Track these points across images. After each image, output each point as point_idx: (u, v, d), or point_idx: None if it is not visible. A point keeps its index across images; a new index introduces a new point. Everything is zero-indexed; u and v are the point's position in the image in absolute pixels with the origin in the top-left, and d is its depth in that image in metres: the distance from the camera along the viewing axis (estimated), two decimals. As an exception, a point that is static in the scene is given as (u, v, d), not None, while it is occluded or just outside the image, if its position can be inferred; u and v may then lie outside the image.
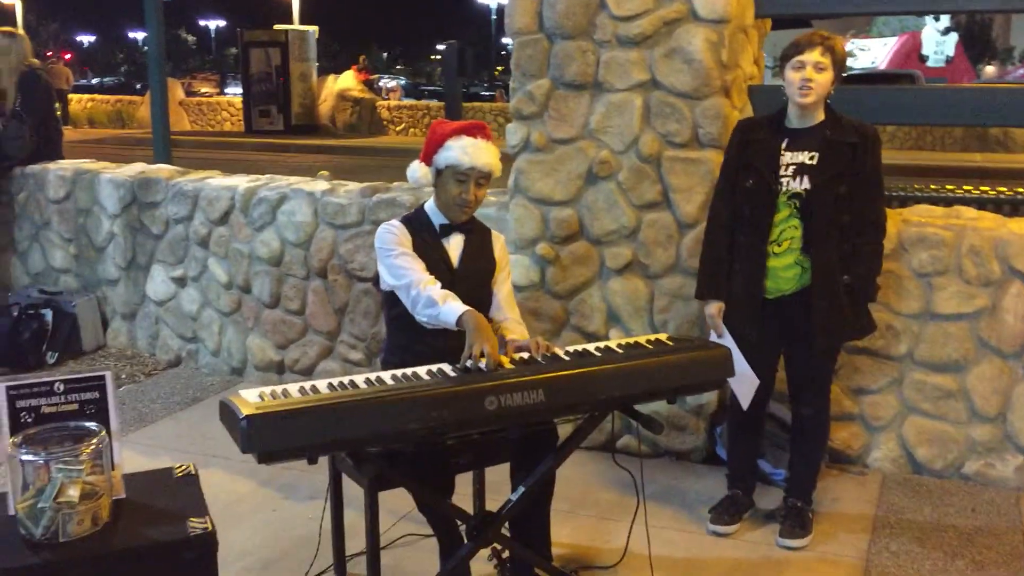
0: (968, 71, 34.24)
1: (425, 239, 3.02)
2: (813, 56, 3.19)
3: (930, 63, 34.00)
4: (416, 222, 3.07)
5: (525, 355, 2.69)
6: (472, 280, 3.04)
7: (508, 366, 2.58)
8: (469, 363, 2.55)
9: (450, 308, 2.75)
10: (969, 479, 3.93)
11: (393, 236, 2.99)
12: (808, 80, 3.19)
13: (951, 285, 3.85)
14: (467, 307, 2.74)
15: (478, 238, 3.11)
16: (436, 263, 2.99)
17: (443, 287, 2.93)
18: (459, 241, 3.06)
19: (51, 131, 6.25)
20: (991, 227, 3.86)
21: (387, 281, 2.98)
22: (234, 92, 31.56)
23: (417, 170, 3.05)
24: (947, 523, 3.61)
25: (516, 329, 3.06)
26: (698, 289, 3.53)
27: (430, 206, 3.09)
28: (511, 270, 3.28)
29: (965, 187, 5.81)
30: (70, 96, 24.89)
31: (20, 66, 6.01)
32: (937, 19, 33.75)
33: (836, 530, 3.54)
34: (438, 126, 3.05)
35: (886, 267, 3.83)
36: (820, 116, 3.30)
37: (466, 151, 2.94)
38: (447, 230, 3.05)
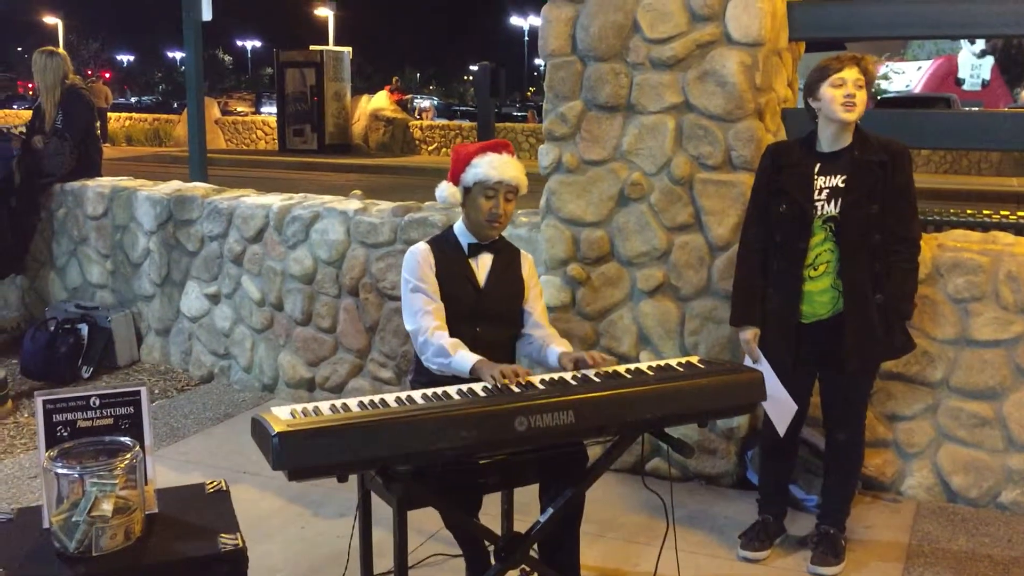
0: (1005, 95, 33.93)
1: (452, 259, 3.03)
2: (853, 74, 3.19)
3: (966, 86, 33.75)
4: (444, 242, 3.09)
5: (579, 372, 2.71)
6: (498, 299, 3.05)
7: (535, 382, 2.60)
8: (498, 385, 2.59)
9: (462, 358, 2.78)
10: (1006, 508, 3.86)
11: (415, 263, 3.00)
12: (852, 96, 3.18)
13: (987, 311, 3.80)
14: (479, 356, 2.77)
15: (506, 258, 3.12)
16: (462, 282, 3.02)
17: (469, 305, 2.96)
18: (487, 260, 3.07)
19: (91, 149, 6.35)
20: (1029, 253, 3.81)
21: (404, 313, 3.01)
22: (269, 111, 31.94)
23: (445, 189, 3.08)
24: (982, 553, 3.55)
25: (561, 341, 3.06)
26: (732, 315, 3.51)
27: (459, 226, 3.11)
28: (542, 290, 3.27)
29: (1002, 212, 5.74)
30: (109, 114, 25.32)
31: (58, 84, 6.12)
32: (973, 42, 33.52)
33: (869, 558, 3.49)
34: (461, 148, 3.08)
35: (921, 292, 3.79)
36: (849, 138, 3.28)
37: (493, 166, 2.97)
38: (475, 249, 3.06)
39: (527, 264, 3.18)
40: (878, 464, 4.02)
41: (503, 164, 2.99)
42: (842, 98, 3.19)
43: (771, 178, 3.38)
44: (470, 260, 3.05)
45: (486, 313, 3.01)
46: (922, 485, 3.98)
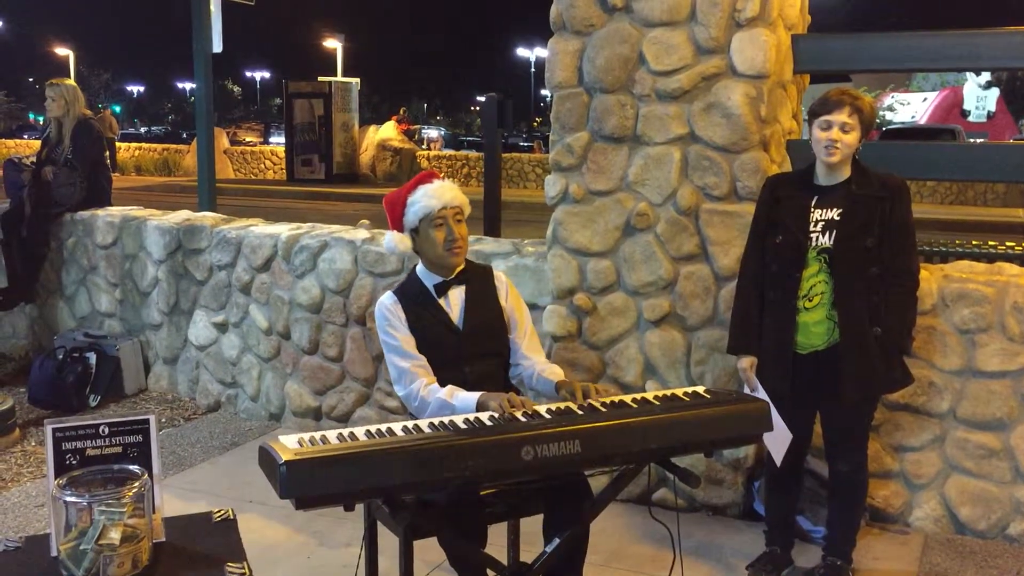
0: (1010, 126, 33.99)
1: (421, 305, 2.95)
2: (841, 117, 3.20)
3: (971, 118, 33.82)
4: (409, 288, 3.00)
5: (585, 402, 2.67)
6: (479, 335, 2.97)
7: (539, 409, 2.59)
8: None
9: (463, 400, 2.74)
10: (1014, 540, 3.84)
11: (385, 319, 2.92)
12: (834, 141, 3.20)
13: (994, 342, 3.80)
14: (478, 392, 2.75)
15: (479, 286, 3.02)
16: (438, 328, 2.94)
17: (451, 350, 2.91)
18: (458, 296, 2.98)
19: (101, 179, 6.42)
20: (1034, 284, 3.81)
21: (391, 374, 2.97)
22: (277, 141, 32.18)
23: (393, 238, 3.00)
24: (992, 586, 3.53)
25: (552, 370, 3.00)
26: (730, 344, 3.52)
27: (420, 269, 3.01)
28: (526, 310, 3.15)
29: (1008, 243, 5.74)
30: (118, 144, 25.54)
31: (76, 115, 6.20)
32: (978, 74, 33.63)
33: (877, 590, 3.47)
34: (391, 195, 3.02)
35: (927, 323, 3.80)
36: (847, 172, 3.30)
37: (430, 195, 2.91)
38: (442, 288, 2.97)
39: (503, 287, 3.07)
40: (885, 495, 4.00)
41: (439, 190, 2.92)
42: (825, 141, 3.21)
43: (770, 209, 3.40)
44: (440, 301, 2.96)
45: (470, 353, 2.94)
46: (930, 516, 3.96)
